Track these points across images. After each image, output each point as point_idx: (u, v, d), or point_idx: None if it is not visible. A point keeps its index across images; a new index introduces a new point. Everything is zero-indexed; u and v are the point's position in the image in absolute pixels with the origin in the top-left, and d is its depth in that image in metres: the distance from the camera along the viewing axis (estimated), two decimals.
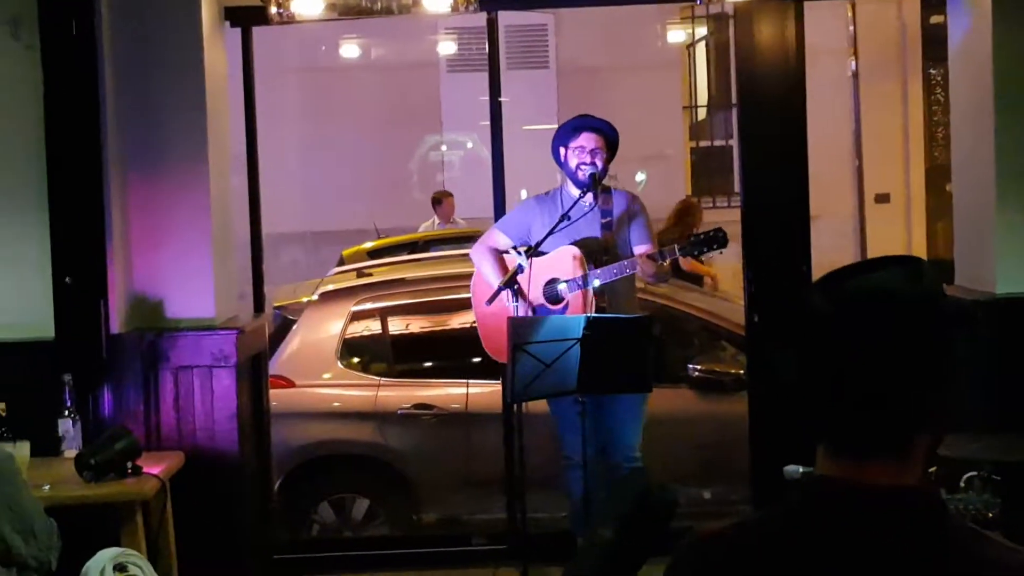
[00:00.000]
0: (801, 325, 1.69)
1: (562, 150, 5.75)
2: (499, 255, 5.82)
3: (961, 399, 1.69)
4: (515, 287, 5.57)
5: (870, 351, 1.63)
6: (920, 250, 12.18)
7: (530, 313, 5.60)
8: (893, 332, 1.64)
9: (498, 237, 5.86)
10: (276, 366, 6.70)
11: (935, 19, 11.68)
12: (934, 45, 11.84)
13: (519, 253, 5.63)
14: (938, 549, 1.63)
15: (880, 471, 1.66)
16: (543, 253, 5.67)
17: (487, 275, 5.80)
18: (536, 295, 5.68)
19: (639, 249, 5.71)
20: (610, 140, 5.74)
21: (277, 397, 6.41)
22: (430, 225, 12.15)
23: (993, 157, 5.48)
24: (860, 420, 1.65)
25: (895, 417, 1.67)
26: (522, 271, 5.58)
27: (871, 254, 10.91)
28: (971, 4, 5.68)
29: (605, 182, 5.81)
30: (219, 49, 5.64)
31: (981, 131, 5.59)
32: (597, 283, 5.56)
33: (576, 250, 5.63)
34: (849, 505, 1.65)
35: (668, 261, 5.65)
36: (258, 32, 6.24)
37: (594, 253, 5.65)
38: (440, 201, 12.17)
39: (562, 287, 5.65)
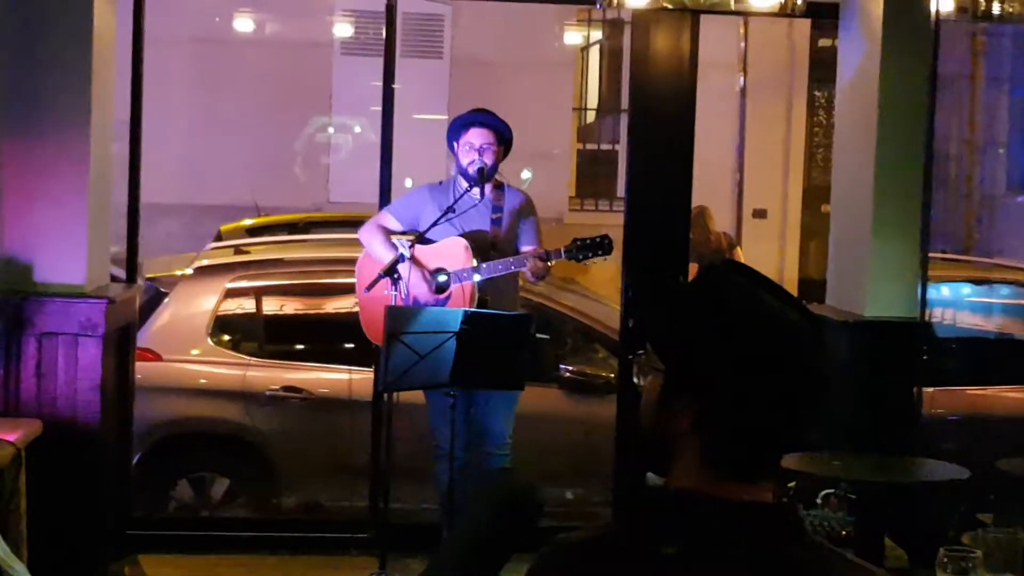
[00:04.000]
0: (692, 354, 1.70)
1: (455, 144, 5.74)
2: (388, 234, 5.75)
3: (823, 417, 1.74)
4: (395, 276, 5.52)
5: (767, 384, 1.67)
6: (792, 267, 12.41)
7: (411, 303, 5.56)
8: (795, 363, 1.68)
9: (388, 220, 5.82)
10: (145, 339, 6.56)
11: (823, 42, 11.90)
12: (820, 68, 12.04)
13: (401, 243, 5.60)
14: (796, 566, 1.66)
15: (756, 490, 1.69)
16: (430, 241, 5.65)
17: (377, 253, 5.69)
18: (420, 284, 5.63)
19: (526, 250, 5.72)
20: (502, 136, 5.74)
21: (143, 370, 6.28)
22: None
23: (872, 183, 5.60)
24: (754, 447, 1.69)
25: (786, 445, 1.71)
26: (403, 260, 5.54)
27: None
28: (863, 30, 5.80)
29: (499, 179, 5.82)
30: (109, 13, 5.52)
31: (863, 156, 5.71)
32: (478, 277, 5.56)
33: (465, 241, 5.61)
34: (719, 521, 1.67)
35: (552, 262, 5.66)
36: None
37: (481, 247, 5.65)
38: None
39: (443, 278, 5.63)
